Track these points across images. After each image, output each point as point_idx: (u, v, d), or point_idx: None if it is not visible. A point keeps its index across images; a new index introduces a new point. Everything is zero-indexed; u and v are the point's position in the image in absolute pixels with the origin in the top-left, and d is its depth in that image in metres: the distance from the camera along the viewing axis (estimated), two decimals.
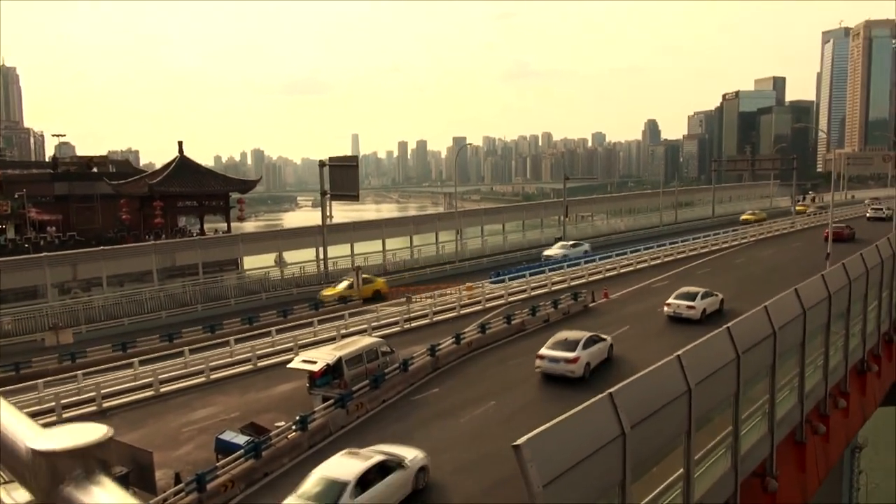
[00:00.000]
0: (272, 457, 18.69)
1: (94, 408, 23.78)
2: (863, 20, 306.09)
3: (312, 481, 15.45)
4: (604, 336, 25.85)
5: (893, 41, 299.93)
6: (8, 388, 23.19)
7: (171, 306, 37.47)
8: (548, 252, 49.65)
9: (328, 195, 44.52)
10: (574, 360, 23.51)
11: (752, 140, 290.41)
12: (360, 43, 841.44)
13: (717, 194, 78.67)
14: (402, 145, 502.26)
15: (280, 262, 46.24)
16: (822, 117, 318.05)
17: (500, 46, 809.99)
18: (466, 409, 22.19)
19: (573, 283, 41.26)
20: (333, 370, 22.85)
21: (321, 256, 44.66)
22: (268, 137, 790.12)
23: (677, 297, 31.74)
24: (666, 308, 31.78)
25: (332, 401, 21.47)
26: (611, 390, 11.63)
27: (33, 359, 27.86)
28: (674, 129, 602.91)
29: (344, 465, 15.83)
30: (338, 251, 46.71)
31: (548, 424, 10.57)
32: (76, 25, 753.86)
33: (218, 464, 17.54)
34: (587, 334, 25.00)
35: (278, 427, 20.01)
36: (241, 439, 18.98)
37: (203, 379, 26.33)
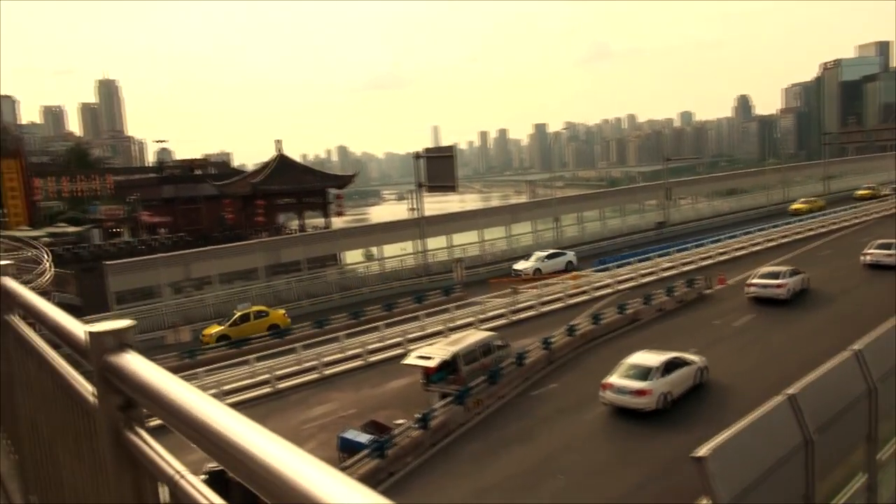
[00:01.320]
0: (396, 456, 18.28)
1: None
2: None
3: (625, 367, 20.33)
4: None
5: None
6: None
7: (277, 303, 38.09)
8: (518, 266, 42.20)
9: (424, 187, 44.12)
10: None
11: (857, 110, 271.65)
12: (438, 35, 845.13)
13: (827, 169, 73.49)
14: (483, 135, 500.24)
15: (370, 257, 46.34)
16: None
17: (579, 29, 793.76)
18: (590, 406, 21.08)
19: (684, 269, 39.19)
20: (449, 366, 22.29)
21: (419, 249, 44.39)
22: (351, 134, 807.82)
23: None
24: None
25: (450, 398, 20.90)
26: (791, 391, 10.36)
27: (155, 357, 28.73)
28: (767, 103, 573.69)
29: (648, 358, 20.61)
30: (435, 243, 46.33)
31: (727, 433, 9.47)
32: (168, 38, 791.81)
33: (345, 463, 17.26)
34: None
35: (398, 425, 19.62)
36: (363, 437, 18.68)
37: (317, 375, 26.39)
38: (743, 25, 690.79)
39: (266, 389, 25.35)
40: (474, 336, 24.06)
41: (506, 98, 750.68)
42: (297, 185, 46.52)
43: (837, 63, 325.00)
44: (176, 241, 44.85)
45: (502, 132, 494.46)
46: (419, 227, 44.30)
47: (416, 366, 22.35)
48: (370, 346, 28.28)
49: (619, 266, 38.91)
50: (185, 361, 28.40)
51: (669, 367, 20.12)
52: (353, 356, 27.91)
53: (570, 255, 43.47)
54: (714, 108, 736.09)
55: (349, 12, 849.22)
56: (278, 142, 48.13)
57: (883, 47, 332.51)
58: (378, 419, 20.45)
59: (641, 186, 69.92)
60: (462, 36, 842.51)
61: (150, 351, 31.02)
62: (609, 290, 35.80)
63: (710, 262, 40.90)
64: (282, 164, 47.28)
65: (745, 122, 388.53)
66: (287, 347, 28.00)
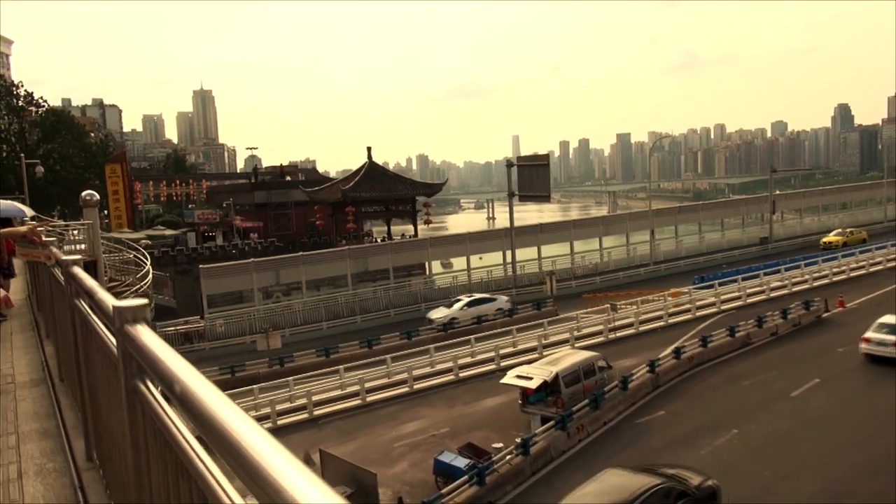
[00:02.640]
0: (495, 484, 17.05)
1: (305, 415, 23.72)
2: None
3: (877, 325, 23.93)
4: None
5: None
6: (226, 391, 23.58)
7: (363, 311, 37.70)
8: (433, 315, 35.59)
9: (515, 196, 42.84)
10: None
11: None
12: (521, 45, 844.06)
13: None
14: (564, 144, 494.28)
15: (447, 266, 45.20)
16: None
17: (665, 37, 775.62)
18: (704, 438, 19.29)
19: (794, 290, 36.34)
20: (548, 386, 20.95)
21: (507, 260, 43.13)
22: (432, 143, 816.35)
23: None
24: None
25: (551, 422, 19.54)
26: None
27: (246, 362, 28.69)
28: (870, 113, 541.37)
29: None
30: (522, 254, 44.94)
31: None
32: (257, 49, 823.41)
33: (442, 490, 16.19)
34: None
35: (496, 448, 18.43)
36: (460, 461, 17.57)
37: (406, 389, 25.57)
38: (841, 30, 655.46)
39: (356, 402, 24.70)
40: (575, 356, 22.60)
41: (588, 108, 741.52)
42: (386, 193, 46.22)
43: None
44: (266, 247, 45.34)
45: (584, 142, 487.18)
46: (508, 237, 43.02)
47: (514, 385, 21.10)
48: (461, 361, 27.25)
49: (721, 284, 36.44)
50: (276, 368, 28.21)
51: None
52: (443, 371, 26.95)
53: (501, 301, 36.25)
54: (811, 117, 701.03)
55: (432, 23, 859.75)
56: (369, 149, 48.05)
57: None
58: (474, 441, 19.34)
59: (743, 199, 65.97)
60: (544, 45, 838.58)
61: (240, 356, 31.10)
62: (714, 310, 33.49)
63: (825, 281, 37.82)
64: (371, 172, 47.14)
65: (846, 132, 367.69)
66: (377, 359, 27.32)
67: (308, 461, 18.41)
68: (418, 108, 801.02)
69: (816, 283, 37.27)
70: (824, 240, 49.26)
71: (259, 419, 23.32)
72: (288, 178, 65.62)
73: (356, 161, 46.93)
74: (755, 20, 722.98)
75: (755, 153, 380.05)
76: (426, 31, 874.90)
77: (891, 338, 22.52)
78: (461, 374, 26.62)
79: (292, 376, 25.73)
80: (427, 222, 48.69)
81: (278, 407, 23.80)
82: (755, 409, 21.19)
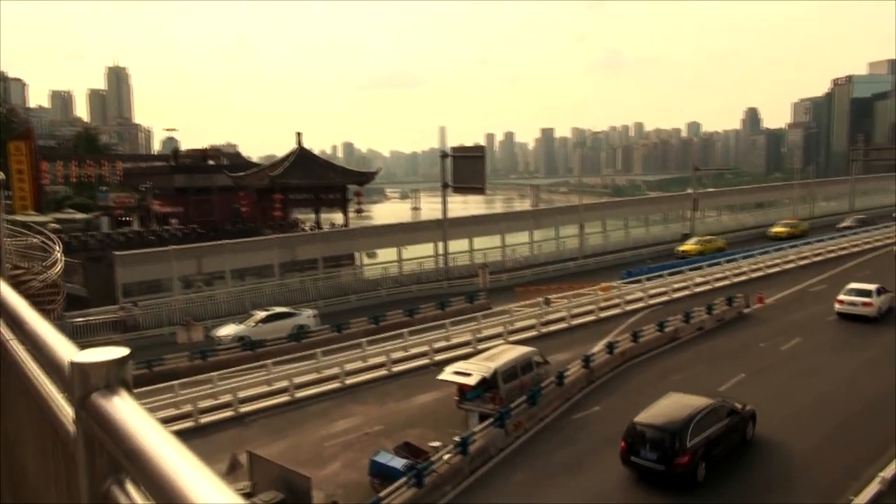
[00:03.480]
0: (434, 485, 16.55)
1: (230, 413, 22.52)
2: None
3: (848, 289, 29.56)
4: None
5: None
6: (143, 388, 22.04)
7: (291, 301, 36.38)
8: (220, 332, 30.81)
9: (450, 187, 42.33)
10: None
11: (866, 128, 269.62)
12: (450, 36, 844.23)
13: (847, 186, 71.59)
14: (490, 137, 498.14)
15: (372, 256, 44.35)
16: None
17: (591, 36, 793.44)
18: None
19: (717, 286, 37.54)
20: (487, 383, 20.60)
21: (440, 251, 42.63)
22: (357, 131, 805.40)
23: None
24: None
25: (490, 419, 19.19)
26: None
27: (165, 355, 27.01)
28: (776, 117, 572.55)
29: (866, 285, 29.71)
30: (455, 246, 44.57)
31: None
32: (178, 28, 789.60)
33: (380, 493, 15.54)
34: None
35: (434, 447, 17.93)
36: (397, 462, 16.97)
37: (338, 384, 24.72)
38: (756, 38, 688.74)
39: (284, 398, 23.67)
40: (513, 351, 22.35)
41: (514, 102, 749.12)
42: (316, 180, 44.71)
43: (849, 79, 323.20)
44: (188, 233, 43.00)
45: (509, 135, 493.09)
46: (441, 228, 42.49)
47: (452, 382, 20.63)
48: (394, 356, 26.58)
49: (648, 279, 37.22)
50: (197, 363, 26.71)
51: (880, 291, 29.30)
52: (376, 365, 26.22)
53: (303, 317, 32.18)
54: (722, 119, 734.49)
55: (360, 10, 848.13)
56: (299, 134, 46.29)
57: (894, 65, 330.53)
58: (410, 440, 18.77)
59: (667, 196, 68.04)
60: (472, 38, 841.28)
61: (159, 348, 29.32)
62: (642, 305, 34.14)
63: (743, 278, 39.24)
64: (301, 158, 45.50)
65: (753, 135, 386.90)
66: (306, 353, 26.27)
67: (235, 464, 17.37)
68: (344, 96, 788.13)
69: (737, 280, 38.65)
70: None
71: (180, 418, 21.97)
72: (211, 163, 62.74)
73: (279, 147, 45.63)
74: (676, 24, 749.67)
75: (671, 152, 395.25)
76: (353, 18, 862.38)
77: (858, 299, 29.35)
78: (394, 369, 25.96)
79: (216, 371, 24.36)
80: (359, 211, 47.54)
81: (201, 404, 22.47)
82: None
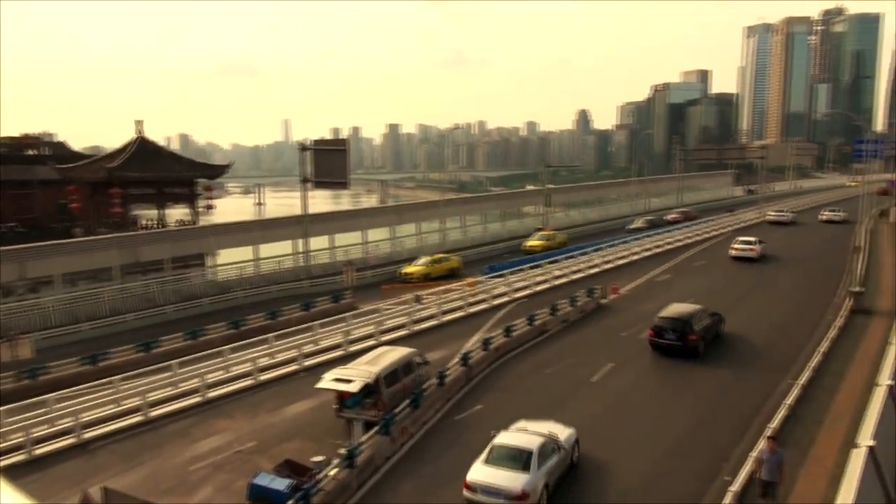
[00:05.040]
0: None
1: (72, 439, 19.57)
2: (784, 17, 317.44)
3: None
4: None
5: (810, 38, 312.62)
6: None
7: (135, 308, 32.92)
8: None
9: (310, 182, 40.35)
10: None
11: (681, 131, 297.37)
12: (297, 26, 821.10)
13: (676, 183, 78.40)
14: (335, 132, 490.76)
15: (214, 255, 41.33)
16: (744, 110, 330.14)
17: (435, 34, 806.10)
18: None
19: (574, 278, 39.09)
20: (368, 388, 19.54)
21: (300, 249, 40.58)
22: (194, 121, 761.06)
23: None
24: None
25: (375, 427, 18.18)
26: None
27: None
28: (605, 119, 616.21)
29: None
30: (315, 243, 42.70)
31: None
32: None
33: None
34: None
35: (317, 463, 16.60)
36: (280, 483, 15.45)
37: (199, 398, 22.42)
38: (587, 46, 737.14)
39: (137, 418, 21.04)
40: (393, 353, 21.40)
41: (360, 97, 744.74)
42: (161, 173, 40.71)
43: (666, 86, 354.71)
44: (5, 233, 37.47)
45: (355, 130, 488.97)
46: (300, 224, 40.44)
47: (332, 390, 19.34)
48: (260, 363, 24.68)
49: (510, 273, 37.90)
50: (25, 382, 23.17)
51: (759, 242, 44.28)
52: (241, 375, 24.18)
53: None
54: (558, 120, 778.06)
55: None
56: (139, 122, 41.77)
57: (703, 75, 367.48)
58: (290, 457, 17.25)
59: (522, 192, 70.21)
60: (321, 29, 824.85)
61: None
62: (507, 299, 34.60)
63: (596, 270, 41.17)
64: (142, 149, 41.15)
65: (585, 134, 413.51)
66: (160, 365, 23.64)
67: (87, 503, 14.98)
68: (179, 84, 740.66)
69: (591, 272, 40.45)
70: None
71: (8, 451, 18.79)
72: (31, 152, 55.40)
73: (108, 137, 41.15)
74: (515, 29, 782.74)
75: (511, 149, 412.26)
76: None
77: (746, 247, 43.27)
78: (261, 378, 24.10)
79: (52, 393, 21.17)
80: (209, 207, 44.07)
81: (35, 433, 19.35)
82: (564, 397, 21.81)
